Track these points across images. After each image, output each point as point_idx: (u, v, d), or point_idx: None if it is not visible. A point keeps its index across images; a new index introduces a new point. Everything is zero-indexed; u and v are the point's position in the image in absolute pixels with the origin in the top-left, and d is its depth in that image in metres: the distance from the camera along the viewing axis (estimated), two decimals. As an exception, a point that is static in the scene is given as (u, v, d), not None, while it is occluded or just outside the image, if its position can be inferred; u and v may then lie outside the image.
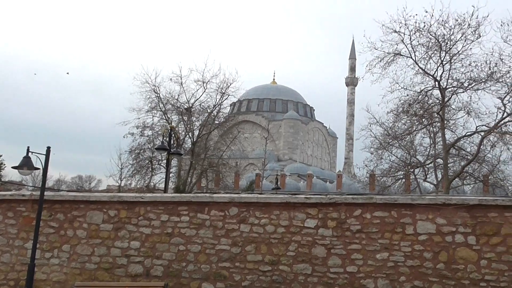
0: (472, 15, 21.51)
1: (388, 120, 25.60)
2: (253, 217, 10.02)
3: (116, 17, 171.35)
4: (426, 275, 9.07)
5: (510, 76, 21.68)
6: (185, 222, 10.30)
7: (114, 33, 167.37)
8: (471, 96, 22.91)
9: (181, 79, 32.41)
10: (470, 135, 23.98)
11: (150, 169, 32.12)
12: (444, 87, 22.91)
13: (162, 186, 27.98)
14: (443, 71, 22.70)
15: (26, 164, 11.23)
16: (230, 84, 33.00)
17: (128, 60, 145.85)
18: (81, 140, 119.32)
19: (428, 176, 27.42)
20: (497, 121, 22.18)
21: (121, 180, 33.44)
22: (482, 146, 23.22)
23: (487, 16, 21.43)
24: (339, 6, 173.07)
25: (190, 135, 32.96)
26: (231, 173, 43.51)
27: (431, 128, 25.60)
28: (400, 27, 22.31)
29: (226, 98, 34.00)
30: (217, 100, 33.47)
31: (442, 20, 21.97)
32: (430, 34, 22.32)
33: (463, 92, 23.14)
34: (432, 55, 22.77)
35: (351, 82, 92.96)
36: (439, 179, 26.63)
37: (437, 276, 9.03)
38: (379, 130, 26.54)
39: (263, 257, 9.82)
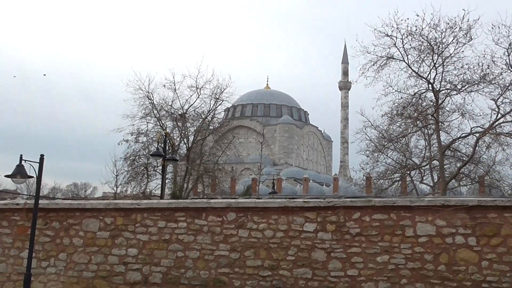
0: (463, 18, 21.52)
1: (383, 123, 25.59)
2: (251, 222, 9.92)
3: (109, 23, 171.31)
4: (427, 277, 9.01)
5: (502, 78, 21.74)
6: (182, 228, 10.20)
7: (107, 39, 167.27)
8: (464, 98, 22.93)
9: (174, 85, 32.43)
10: (465, 136, 23.97)
11: (146, 176, 32.02)
12: (437, 89, 22.89)
13: (158, 192, 27.80)
14: (436, 74, 22.71)
15: (19, 173, 11.10)
16: (224, 90, 33.09)
17: (121, 66, 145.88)
18: (76, 147, 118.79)
19: (424, 178, 27.42)
20: (491, 122, 22.21)
21: (116, 187, 33.43)
22: (477, 147, 23.23)
23: (478, 19, 21.43)
24: (331, 11, 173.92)
25: (185, 141, 32.91)
26: (227, 178, 43.39)
27: (426, 130, 25.57)
28: (392, 31, 22.28)
29: (220, 104, 34.13)
30: (211, 105, 33.58)
31: (434, 24, 22.00)
32: (422, 38, 22.33)
33: (457, 94, 23.15)
34: (425, 58, 22.79)
35: (345, 86, 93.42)
36: (435, 181, 26.65)
37: (438, 278, 8.97)
38: (374, 133, 26.54)
39: (263, 262, 9.72)
